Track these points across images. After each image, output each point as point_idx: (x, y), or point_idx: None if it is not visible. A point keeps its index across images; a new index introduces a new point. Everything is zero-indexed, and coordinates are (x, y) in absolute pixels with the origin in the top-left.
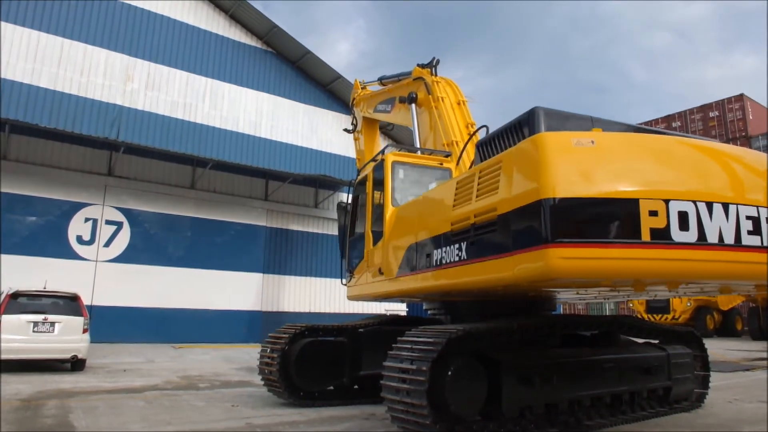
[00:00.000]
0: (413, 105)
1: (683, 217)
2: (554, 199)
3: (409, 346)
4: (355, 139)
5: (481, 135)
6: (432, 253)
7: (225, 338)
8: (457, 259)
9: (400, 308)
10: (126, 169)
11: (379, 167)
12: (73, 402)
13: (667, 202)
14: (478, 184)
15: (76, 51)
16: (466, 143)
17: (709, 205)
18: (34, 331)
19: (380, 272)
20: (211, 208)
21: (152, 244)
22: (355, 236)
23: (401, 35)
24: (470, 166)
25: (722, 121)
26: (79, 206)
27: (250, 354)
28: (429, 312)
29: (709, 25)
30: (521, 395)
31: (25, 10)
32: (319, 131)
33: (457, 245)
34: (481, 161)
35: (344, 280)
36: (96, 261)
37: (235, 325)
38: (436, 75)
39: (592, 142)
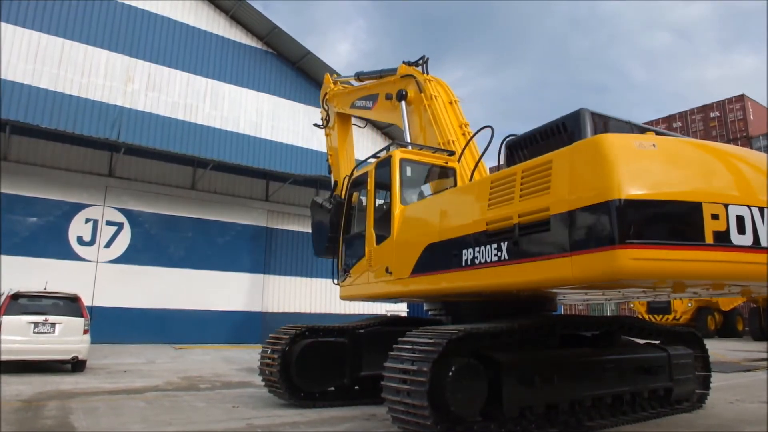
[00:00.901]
0: (403, 102)
1: (740, 221)
2: (623, 200)
3: (409, 346)
4: (327, 135)
5: (483, 135)
6: (461, 253)
7: (225, 339)
8: (495, 259)
9: (400, 309)
10: (126, 170)
11: (384, 164)
12: (74, 403)
13: (726, 206)
14: (522, 184)
15: (76, 52)
16: (468, 142)
17: (761, 210)
18: (34, 332)
19: (387, 272)
20: (211, 209)
21: (153, 244)
22: (350, 235)
23: (401, 35)
24: (498, 167)
25: (723, 121)
26: (80, 207)
27: (250, 354)
28: (430, 312)
29: (709, 24)
30: (522, 395)
31: (25, 10)
32: (319, 132)
33: (495, 245)
34: (510, 162)
35: (336, 280)
36: (96, 262)
37: (235, 326)
38: (427, 73)
39: (654, 145)
